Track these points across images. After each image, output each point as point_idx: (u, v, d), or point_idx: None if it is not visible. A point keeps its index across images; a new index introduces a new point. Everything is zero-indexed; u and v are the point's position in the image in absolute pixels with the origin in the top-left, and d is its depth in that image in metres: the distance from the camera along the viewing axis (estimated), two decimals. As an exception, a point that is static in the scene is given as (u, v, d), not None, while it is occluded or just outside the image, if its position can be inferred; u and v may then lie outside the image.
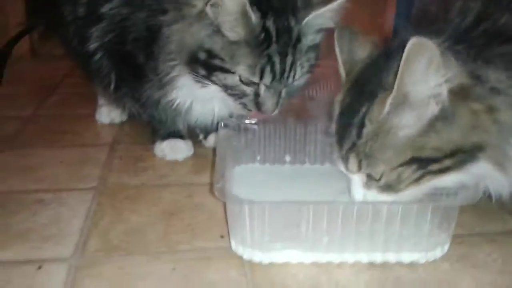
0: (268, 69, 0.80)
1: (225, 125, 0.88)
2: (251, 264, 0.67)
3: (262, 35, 0.78)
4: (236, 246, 0.68)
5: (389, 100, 0.63)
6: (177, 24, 0.81)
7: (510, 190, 0.73)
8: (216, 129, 0.92)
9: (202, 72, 0.82)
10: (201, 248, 0.71)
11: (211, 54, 0.80)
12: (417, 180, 0.66)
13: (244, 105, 0.85)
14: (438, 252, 0.68)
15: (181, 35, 0.81)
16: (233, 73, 0.80)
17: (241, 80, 0.81)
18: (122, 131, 1.15)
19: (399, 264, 0.67)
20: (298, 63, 0.83)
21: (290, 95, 0.88)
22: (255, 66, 0.79)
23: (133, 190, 0.87)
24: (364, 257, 0.67)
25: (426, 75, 0.60)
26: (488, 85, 0.64)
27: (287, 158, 0.93)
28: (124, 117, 1.18)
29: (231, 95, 0.84)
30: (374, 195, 0.69)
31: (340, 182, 0.75)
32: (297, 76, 0.84)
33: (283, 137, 0.92)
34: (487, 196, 0.77)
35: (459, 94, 0.63)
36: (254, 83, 0.82)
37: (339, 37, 0.75)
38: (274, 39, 0.79)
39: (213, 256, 0.69)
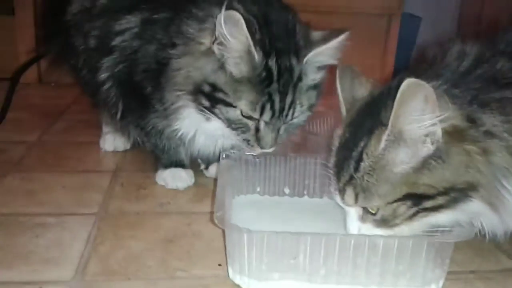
0: (268, 106, 0.83)
1: (227, 156, 0.91)
2: (248, 293, 0.68)
3: (264, 73, 0.81)
4: (234, 275, 0.69)
5: (384, 136, 0.65)
6: (185, 58, 0.84)
7: (503, 229, 0.74)
8: (218, 160, 0.95)
9: (206, 103, 0.85)
10: (199, 275, 0.72)
11: (215, 87, 0.83)
12: (412, 216, 0.68)
13: (247, 141, 0.88)
14: (432, 288, 0.69)
15: (187, 68, 0.84)
16: (235, 107, 0.83)
17: (242, 115, 0.84)
18: (125, 159, 1.17)
19: (394, 298, 0.68)
20: (298, 101, 0.86)
21: (289, 132, 0.91)
22: (256, 103, 0.82)
23: (133, 217, 0.88)
24: (360, 291, 0.68)
25: (419, 115, 0.62)
26: (483, 128, 0.67)
27: (286, 191, 0.95)
28: (128, 146, 1.20)
29: (233, 129, 0.87)
30: (369, 229, 0.70)
31: (338, 216, 0.77)
32: (296, 114, 0.87)
33: (283, 169, 0.94)
34: (482, 235, 0.79)
35: (453, 135, 0.65)
36: (255, 118, 0.85)
37: (341, 75, 0.78)
38: (275, 78, 0.82)
39: (210, 284, 0.70)
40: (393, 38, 1.97)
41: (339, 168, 0.72)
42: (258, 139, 0.86)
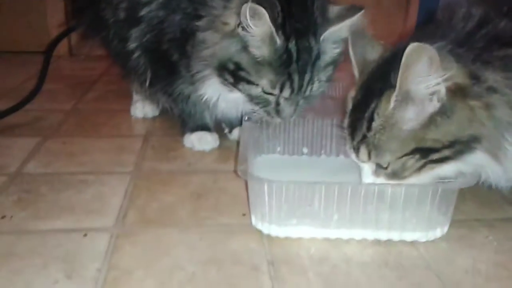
0: (287, 85, 0.89)
1: (249, 118, 0.98)
2: (269, 237, 0.76)
3: (284, 56, 0.87)
4: (256, 222, 0.77)
5: (393, 97, 0.71)
6: (210, 33, 0.90)
7: (506, 179, 0.80)
8: (241, 124, 1.01)
9: (230, 79, 0.91)
10: (225, 223, 0.80)
11: (238, 66, 0.89)
12: (420, 168, 0.74)
13: (267, 113, 0.94)
14: (438, 233, 0.75)
15: (213, 45, 0.90)
16: (257, 85, 0.89)
17: (263, 91, 0.90)
18: (155, 124, 1.25)
19: (402, 242, 0.75)
20: (316, 78, 0.91)
21: (308, 103, 0.97)
22: (276, 82, 0.88)
23: (165, 175, 0.97)
24: (370, 235, 0.75)
25: (424, 76, 0.67)
26: (486, 85, 0.72)
27: (305, 150, 1.02)
28: (157, 112, 1.29)
29: (254, 103, 0.93)
30: (382, 181, 0.77)
31: (353, 174, 0.83)
32: (314, 89, 0.93)
33: (301, 130, 1.01)
34: (488, 186, 0.85)
35: (458, 92, 0.70)
36: (275, 95, 0.91)
37: (353, 40, 0.83)
38: (294, 59, 0.87)
39: (235, 230, 0.78)
40: (415, 3, 1.98)
41: (353, 128, 0.78)
42: (278, 112, 0.93)
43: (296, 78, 0.89)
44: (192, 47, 0.92)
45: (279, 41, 0.86)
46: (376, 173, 0.78)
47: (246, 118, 0.98)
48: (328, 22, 0.89)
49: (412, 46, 0.66)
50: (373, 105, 0.74)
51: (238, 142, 1.05)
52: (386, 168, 0.76)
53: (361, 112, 0.76)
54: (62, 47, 1.95)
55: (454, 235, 0.77)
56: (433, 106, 0.70)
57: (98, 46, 1.36)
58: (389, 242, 0.75)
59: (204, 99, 1.00)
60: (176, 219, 0.80)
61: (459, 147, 0.71)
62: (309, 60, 0.89)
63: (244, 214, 0.82)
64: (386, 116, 0.72)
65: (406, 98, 0.70)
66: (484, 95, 0.71)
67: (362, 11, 0.88)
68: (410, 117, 0.71)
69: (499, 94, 0.71)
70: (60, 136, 1.15)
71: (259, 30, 0.84)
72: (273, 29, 0.84)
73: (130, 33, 1.04)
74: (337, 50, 0.93)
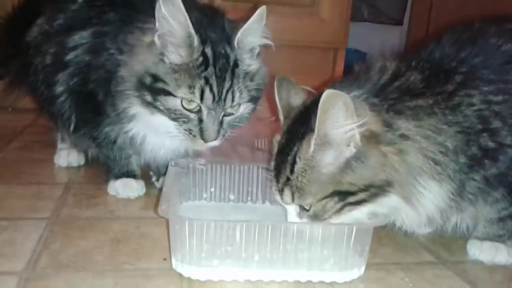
0: (207, 90, 0.88)
1: (175, 164, 0.97)
2: (189, 280, 0.74)
3: (201, 58, 0.88)
4: (176, 264, 0.75)
5: (312, 141, 0.74)
6: (130, 58, 0.91)
7: (418, 224, 0.84)
8: (169, 171, 1.01)
9: (148, 97, 0.90)
10: (144, 268, 0.77)
11: (156, 78, 0.88)
12: (339, 210, 0.77)
13: (189, 132, 0.91)
14: (355, 274, 0.77)
15: (131, 63, 0.90)
16: (175, 96, 0.88)
17: (183, 106, 0.89)
18: (79, 173, 1.21)
19: (321, 283, 0.76)
20: (236, 87, 0.91)
21: (231, 126, 0.95)
22: (194, 87, 0.87)
23: (84, 221, 0.93)
24: (290, 275, 0.75)
25: (340, 120, 0.71)
26: (398, 132, 0.77)
27: (232, 197, 1.02)
28: (82, 161, 1.25)
29: (175, 120, 0.91)
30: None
31: (278, 219, 0.84)
32: (235, 101, 0.91)
33: (228, 177, 1.02)
34: (405, 232, 0.89)
35: (371, 138, 0.75)
36: (197, 111, 0.90)
37: (278, 86, 0.88)
38: (211, 62, 0.88)
39: (154, 275, 0.75)
40: (339, 72, 2.11)
41: (278, 171, 0.81)
42: (201, 130, 0.91)
43: (214, 83, 0.88)
44: (116, 85, 0.93)
45: (196, 40, 0.87)
46: (300, 215, 0.80)
47: (172, 164, 0.97)
48: (236, 28, 0.91)
49: (327, 92, 0.70)
50: (295, 149, 0.77)
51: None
52: (308, 210, 0.78)
53: (285, 155, 0.79)
54: (-13, 98, 1.89)
55: (371, 277, 0.79)
56: (350, 151, 0.74)
57: (24, 96, 1.33)
58: (308, 283, 0.75)
59: (130, 136, 1.00)
60: (91, 264, 0.77)
61: (374, 190, 0.75)
62: (227, 66, 0.89)
63: (165, 259, 0.80)
64: (307, 159, 0.75)
65: (325, 142, 0.74)
66: (397, 141, 0.76)
67: (263, 7, 0.89)
68: (329, 161, 0.74)
69: (411, 140, 0.76)
70: (-25, 183, 1.09)
71: (175, 23, 0.85)
72: (189, 23, 0.85)
73: (58, 77, 1.04)
74: (256, 63, 0.94)
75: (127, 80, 0.91)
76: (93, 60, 0.98)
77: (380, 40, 2.70)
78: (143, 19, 0.93)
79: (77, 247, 0.82)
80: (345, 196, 0.76)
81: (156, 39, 0.88)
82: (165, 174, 1.08)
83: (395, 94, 0.80)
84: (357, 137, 0.74)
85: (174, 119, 0.91)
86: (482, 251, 0.87)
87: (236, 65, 0.91)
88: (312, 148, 0.75)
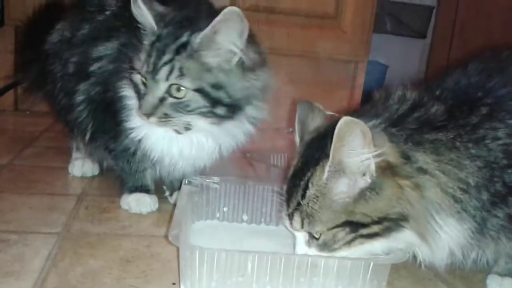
0: (146, 59, 0.89)
1: (189, 182, 0.96)
2: (198, 309, 0.72)
3: (154, 38, 0.90)
4: (185, 291, 0.73)
5: (326, 167, 0.72)
6: None
7: (437, 259, 0.80)
8: (182, 187, 0.99)
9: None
10: (152, 292, 0.76)
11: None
12: (350, 242, 0.74)
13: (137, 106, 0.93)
14: (371, 309, 0.74)
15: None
16: (136, 70, 0.91)
17: (142, 80, 0.91)
18: (92, 184, 1.21)
19: (335, 318, 0.73)
20: (178, 65, 0.88)
21: (176, 110, 0.91)
22: (140, 59, 0.90)
23: (94, 237, 0.92)
24: (303, 310, 0.72)
25: (356, 149, 0.69)
26: (416, 165, 0.73)
27: (245, 217, 1.00)
28: (96, 171, 1.25)
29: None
30: (314, 253, 0.76)
31: (291, 244, 0.81)
32: (172, 77, 0.88)
33: (242, 197, 1.00)
34: (420, 264, 0.85)
35: (388, 170, 0.72)
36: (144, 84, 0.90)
37: (300, 109, 0.85)
38: (159, 39, 0.90)
39: (163, 301, 0.74)
40: (359, 84, 2.08)
41: (289, 195, 0.78)
42: (140, 102, 0.91)
43: (154, 54, 0.89)
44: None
45: (155, 27, 0.90)
46: (308, 243, 0.77)
47: (186, 182, 0.96)
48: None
49: (344, 119, 0.67)
50: (309, 174, 0.75)
51: (177, 206, 1.02)
52: (318, 238, 0.75)
53: (298, 180, 0.76)
54: (7, 101, 1.91)
55: (387, 312, 0.76)
56: (364, 181, 0.71)
57: (41, 101, 1.34)
58: (322, 318, 0.73)
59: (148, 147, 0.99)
60: (99, 286, 0.75)
61: (388, 224, 0.72)
62: (171, 43, 0.89)
63: (174, 283, 0.78)
64: (319, 186, 0.73)
65: (339, 170, 0.71)
66: (414, 175, 0.73)
67: (230, 9, 0.85)
68: (342, 189, 0.72)
69: (429, 175, 0.73)
70: (-12, 191, 1.09)
71: (142, 18, 0.90)
72: (150, 17, 0.90)
73: (79, 87, 1.04)
74: (226, 64, 0.91)
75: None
76: (116, 67, 0.98)
77: (402, 52, 2.67)
78: None
79: (85, 266, 0.81)
80: (357, 228, 0.73)
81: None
82: (179, 189, 1.08)
83: (414, 125, 0.77)
84: (373, 167, 0.71)
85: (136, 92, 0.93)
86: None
87: (183, 45, 0.89)
88: (325, 175, 0.72)
